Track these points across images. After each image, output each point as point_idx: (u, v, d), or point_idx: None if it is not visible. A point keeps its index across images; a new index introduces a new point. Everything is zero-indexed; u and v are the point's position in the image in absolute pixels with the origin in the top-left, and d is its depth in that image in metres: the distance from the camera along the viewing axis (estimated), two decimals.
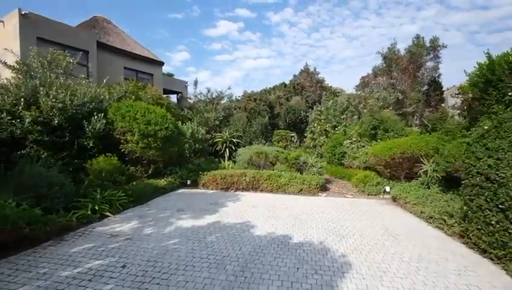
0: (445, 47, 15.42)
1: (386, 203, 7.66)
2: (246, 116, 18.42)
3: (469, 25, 55.23)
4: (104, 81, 9.52)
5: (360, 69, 61.44)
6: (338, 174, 11.64)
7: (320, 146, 14.19)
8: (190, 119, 16.31)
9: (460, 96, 8.92)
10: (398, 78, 15.79)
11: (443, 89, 18.05)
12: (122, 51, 16.13)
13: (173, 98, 23.42)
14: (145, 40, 56.43)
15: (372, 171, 10.23)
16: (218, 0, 55.94)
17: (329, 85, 27.83)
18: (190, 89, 18.41)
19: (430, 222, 5.63)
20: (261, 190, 9.05)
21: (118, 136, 8.37)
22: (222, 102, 17.12)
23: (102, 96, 9.12)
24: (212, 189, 9.42)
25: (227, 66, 67.14)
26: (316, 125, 14.62)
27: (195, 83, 16.90)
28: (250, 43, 62.21)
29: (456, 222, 4.85)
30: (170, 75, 28.24)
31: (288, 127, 23.40)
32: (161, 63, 19.20)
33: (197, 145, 12.63)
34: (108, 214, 6.01)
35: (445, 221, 5.10)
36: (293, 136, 25.15)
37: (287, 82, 30.80)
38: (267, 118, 16.85)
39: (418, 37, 15.78)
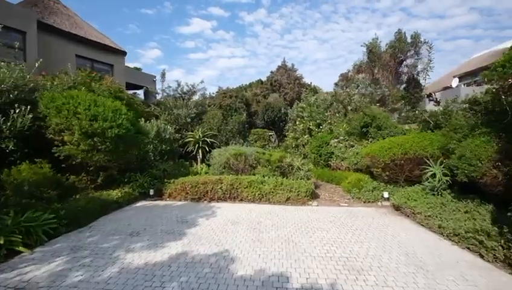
0: (426, 43, 15.05)
1: (388, 213, 6.54)
2: (222, 113, 16.77)
3: (428, 32, 58.54)
4: (36, 64, 7.38)
5: (330, 71, 63.37)
6: (325, 177, 10.48)
7: (303, 146, 13.01)
8: (157, 116, 14.35)
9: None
10: (380, 75, 15.19)
11: (422, 87, 17.83)
12: (73, 36, 13.68)
13: (142, 94, 21.06)
14: (115, 35, 53.36)
15: (363, 173, 9.18)
16: None
17: (309, 82, 27.03)
18: (159, 85, 16.35)
19: (455, 241, 4.51)
20: (241, 200, 7.54)
21: (51, 135, 6.38)
22: (195, 98, 15.30)
23: (32, 84, 7.01)
24: (180, 200, 7.72)
25: (201, 65, 65.57)
26: (298, 123, 13.42)
27: (163, 75, 14.92)
28: (223, 42, 61.28)
29: (499, 244, 3.73)
30: (138, 69, 25.67)
31: (266, 125, 22.12)
32: (123, 53, 16.87)
33: (163, 146, 10.78)
34: (21, 249, 4.14)
35: (481, 242, 3.98)
36: (271, 135, 23.92)
37: (264, 79, 29.52)
38: (244, 115, 15.34)
39: (399, 32, 15.29)
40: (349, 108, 11.80)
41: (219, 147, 11.49)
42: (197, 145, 11.88)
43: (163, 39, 60.10)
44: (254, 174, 8.93)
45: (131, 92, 18.36)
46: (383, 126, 9.06)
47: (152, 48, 58.59)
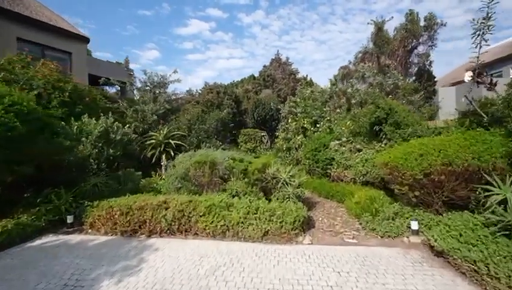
0: (444, 25, 12.58)
1: (425, 260, 4.01)
2: (202, 110, 14.22)
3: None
4: None
5: (328, 72, 62.33)
6: (323, 191, 7.95)
7: (296, 149, 10.49)
8: (123, 114, 11.84)
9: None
10: (387, 64, 12.76)
11: (435, 80, 15.38)
12: (12, 14, 11.11)
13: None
14: (113, 36, 52.47)
15: (376, 188, 6.69)
16: None
17: (305, 75, 24.52)
18: (124, 75, 13.68)
19: None
20: (196, 234, 5.00)
21: None
22: (168, 90, 12.73)
23: None
24: (107, 233, 5.17)
25: (199, 66, 65.19)
26: (290, 121, 10.92)
27: (127, 63, 12.37)
28: (222, 43, 60.41)
29: None
30: (120, 63, 22.90)
31: (257, 124, 19.62)
32: (84, 39, 14.29)
33: (111, 150, 8.23)
34: None
35: None
36: (263, 135, 21.38)
37: (257, 74, 27.02)
38: (225, 111, 12.82)
39: (411, 12, 12.79)
40: (353, 101, 9.32)
41: (188, 151, 8.95)
42: (159, 148, 9.33)
43: (162, 40, 59.42)
44: (225, 191, 6.43)
45: (106, 87, 15.66)
46: (403, 123, 6.55)
47: (150, 48, 57.76)
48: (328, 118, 9.66)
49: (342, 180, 7.87)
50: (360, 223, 5.53)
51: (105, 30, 52.48)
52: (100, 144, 8.12)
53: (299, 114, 10.52)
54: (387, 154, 5.47)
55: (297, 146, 10.46)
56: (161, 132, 9.58)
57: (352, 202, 6.29)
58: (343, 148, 8.07)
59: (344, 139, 8.19)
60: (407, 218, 5.09)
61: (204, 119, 11.04)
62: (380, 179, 6.59)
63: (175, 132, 9.64)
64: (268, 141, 19.11)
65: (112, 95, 14.48)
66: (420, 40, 13.43)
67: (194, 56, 64.89)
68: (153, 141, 9.47)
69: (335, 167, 8.03)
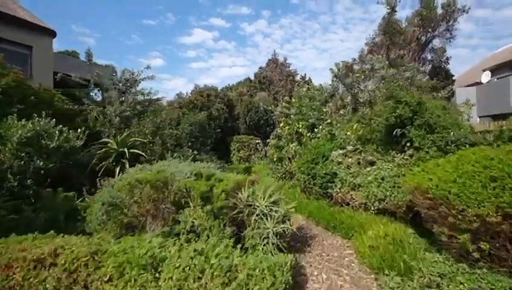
0: (467, 12, 10.61)
1: None
2: (183, 113, 12.23)
3: None
4: None
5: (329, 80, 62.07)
6: (322, 219, 5.81)
7: (290, 159, 8.42)
8: (86, 117, 9.94)
9: None
10: (400, 55, 10.74)
11: (453, 78, 13.33)
12: None
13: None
14: (118, 46, 52.36)
15: (397, 219, 4.61)
16: (192, 9, 57.25)
17: (303, 74, 22.56)
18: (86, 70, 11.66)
19: None
20: None
21: None
22: (139, 89, 10.76)
23: None
24: None
25: (202, 74, 66.62)
26: (282, 125, 8.88)
27: (88, 56, 10.47)
28: (225, 52, 61.60)
29: None
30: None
31: (250, 130, 17.63)
32: (49, 32, 12.48)
33: (42, 162, 6.21)
34: None
35: None
36: (258, 143, 19.32)
37: (253, 77, 25.15)
38: (203, 114, 10.79)
39: None
40: (361, 99, 7.28)
41: (149, 162, 6.90)
42: (112, 159, 7.28)
43: (166, 49, 60.87)
44: (179, 222, 4.39)
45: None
46: (439, 124, 4.46)
47: (155, 57, 59.18)
48: (329, 120, 7.60)
49: (347, 204, 5.76)
50: (381, 288, 3.40)
51: (109, 39, 53.47)
52: (25, 154, 6.12)
53: (292, 116, 8.48)
54: (424, 174, 3.36)
55: (290, 156, 8.38)
56: (115, 138, 7.56)
57: (365, 243, 4.17)
58: (349, 159, 5.98)
59: (350, 147, 6.11)
60: (462, 284, 2.98)
61: (178, 123, 9.02)
62: (406, 206, 4.49)
63: (134, 139, 7.61)
64: (263, 149, 17.10)
65: (81, 96, 12.55)
66: (436, 32, 11.44)
67: (197, 64, 66.25)
68: (107, 148, 7.43)
69: (338, 186, 5.93)
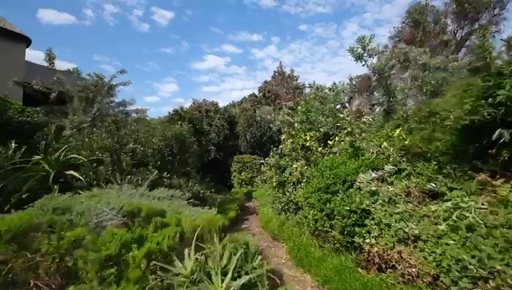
0: None
1: None
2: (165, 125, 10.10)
3: None
4: None
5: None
6: None
7: (295, 184, 5.98)
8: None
9: None
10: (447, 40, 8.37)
11: None
12: None
13: None
14: (135, 72, 57.85)
15: None
16: (206, 36, 61.14)
17: (312, 82, 20.37)
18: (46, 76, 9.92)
19: None
20: None
21: None
22: (115, 98, 8.83)
23: None
24: None
25: (214, 96, 70.29)
26: (284, 137, 6.57)
27: (49, 58, 8.71)
28: (236, 76, 64.52)
29: None
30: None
31: (251, 148, 15.34)
32: (21, 39, 11.02)
33: None
34: None
35: None
36: (262, 163, 16.96)
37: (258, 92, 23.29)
38: (184, 126, 8.60)
39: None
40: (398, 94, 4.89)
41: (88, 188, 4.64)
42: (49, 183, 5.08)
43: (180, 74, 65.02)
44: None
45: None
46: None
47: (169, 82, 62.88)
48: (348, 128, 5.22)
49: (393, 267, 3.21)
50: None
51: (128, 66, 58.52)
52: None
53: (297, 125, 6.16)
54: None
55: (295, 180, 5.93)
56: (53, 156, 5.43)
57: None
58: (390, 188, 3.52)
59: (389, 167, 3.67)
60: None
61: (153, 135, 6.81)
62: None
63: (75, 156, 5.44)
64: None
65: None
66: (483, 15, 9.08)
67: (209, 88, 69.76)
68: (38, 170, 5.27)
69: (373, 234, 3.43)
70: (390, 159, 3.78)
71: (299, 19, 57.83)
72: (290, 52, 63.40)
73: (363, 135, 5.23)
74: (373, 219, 3.54)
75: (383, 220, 3.35)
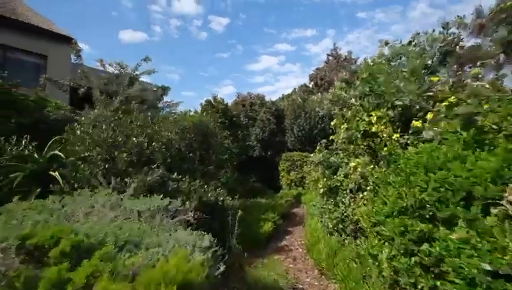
0: None
1: None
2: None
3: None
4: None
5: None
6: None
7: (353, 193, 3.82)
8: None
9: None
10: None
11: None
12: None
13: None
14: (196, 78, 62.94)
15: None
16: (259, 37, 62.84)
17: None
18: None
19: None
20: None
21: None
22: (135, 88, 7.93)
23: None
24: None
25: (269, 96, 69.76)
26: (335, 122, 4.45)
27: (77, 54, 8.19)
28: (290, 74, 64.23)
29: None
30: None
31: (300, 144, 13.23)
32: (65, 39, 11.20)
33: None
34: None
35: None
36: (305, 162, 14.83)
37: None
38: (204, 115, 7.00)
39: None
40: None
41: (70, 193, 3.47)
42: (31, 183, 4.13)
43: (236, 77, 68.87)
44: None
45: None
46: None
47: (226, 85, 67.22)
48: (451, 98, 2.87)
49: None
50: None
51: (191, 73, 63.21)
52: None
53: (354, 101, 3.98)
54: None
55: (353, 186, 3.78)
56: (42, 153, 4.47)
57: None
58: None
59: None
60: None
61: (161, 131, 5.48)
62: None
63: (56, 153, 4.34)
64: None
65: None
66: None
67: (264, 88, 71.15)
68: (26, 168, 4.39)
69: None
70: None
71: (356, 7, 53.06)
72: (347, 43, 59.02)
73: (485, 107, 2.78)
74: None
75: None
